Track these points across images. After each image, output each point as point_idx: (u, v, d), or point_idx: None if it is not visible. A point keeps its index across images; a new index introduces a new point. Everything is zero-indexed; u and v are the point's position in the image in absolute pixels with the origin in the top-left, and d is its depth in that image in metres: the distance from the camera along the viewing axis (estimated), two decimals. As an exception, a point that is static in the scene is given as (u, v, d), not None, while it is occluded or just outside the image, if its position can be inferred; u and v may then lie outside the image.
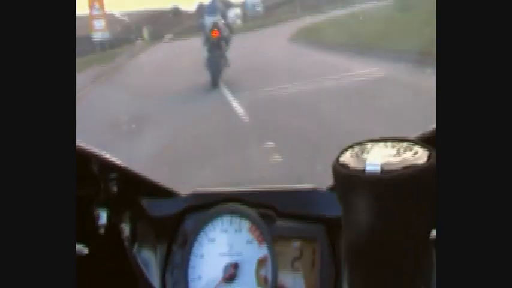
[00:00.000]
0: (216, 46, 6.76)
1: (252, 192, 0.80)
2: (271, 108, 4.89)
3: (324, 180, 0.77)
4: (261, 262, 0.73)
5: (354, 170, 0.50)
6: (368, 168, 0.49)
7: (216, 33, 6.78)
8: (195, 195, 0.83)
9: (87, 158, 0.71)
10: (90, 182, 0.76)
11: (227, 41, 7.09)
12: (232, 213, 0.76)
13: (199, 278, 0.75)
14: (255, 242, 0.74)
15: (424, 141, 0.55)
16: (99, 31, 13.53)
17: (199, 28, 7.47)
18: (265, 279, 0.72)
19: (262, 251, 0.73)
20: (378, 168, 0.48)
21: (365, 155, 0.52)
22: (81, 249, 0.70)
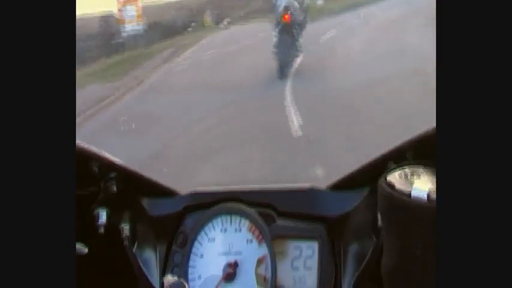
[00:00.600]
0: (287, 32, 5.93)
1: (251, 192, 0.80)
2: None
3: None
4: (261, 261, 0.73)
5: (400, 192, 0.49)
6: (414, 193, 0.48)
7: (287, 18, 5.91)
8: (195, 195, 0.83)
9: (87, 158, 0.71)
10: (90, 181, 0.76)
11: (301, 27, 6.25)
12: (232, 212, 0.77)
13: (199, 277, 0.76)
14: (255, 242, 0.74)
15: (423, 141, 0.55)
16: (131, 22, 10.02)
17: (271, 9, 6.61)
18: (265, 278, 0.72)
19: (262, 250, 0.73)
20: (425, 195, 0.47)
21: (414, 179, 0.51)
22: (81, 248, 0.71)
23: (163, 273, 0.79)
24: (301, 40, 6.24)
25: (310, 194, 0.78)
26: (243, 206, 0.76)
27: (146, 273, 0.79)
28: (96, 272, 0.76)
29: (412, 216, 0.48)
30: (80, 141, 0.67)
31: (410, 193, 0.48)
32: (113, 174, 0.76)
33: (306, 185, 0.80)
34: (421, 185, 0.49)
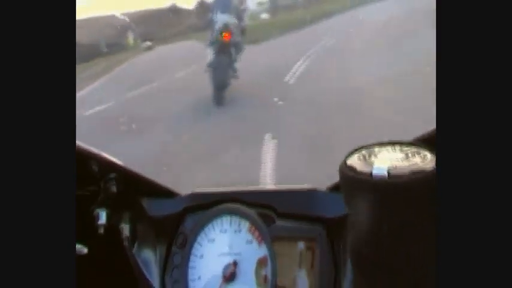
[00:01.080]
0: (224, 52, 5.42)
1: (251, 193, 0.80)
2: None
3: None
4: (261, 262, 0.73)
5: (361, 173, 0.50)
6: (375, 172, 0.49)
7: (227, 37, 5.38)
8: (195, 196, 0.83)
9: (87, 158, 0.72)
10: (90, 182, 0.76)
11: (238, 48, 5.70)
12: (232, 213, 0.77)
13: (199, 278, 0.76)
14: (255, 242, 0.74)
15: (423, 142, 0.55)
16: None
17: (206, 26, 5.97)
18: (265, 279, 0.72)
19: (262, 251, 0.73)
20: (385, 173, 0.48)
21: (373, 159, 0.52)
22: (81, 249, 0.71)
23: (163, 274, 0.79)
24: (238, 63, 5.61)
25: (309, 195, 0.78)
26: (242, 207, 0.76)
27: (146, 273, 0.79)
28: (96, 272, 0.76)
29: (375, 195, 0.49)
30: (80, 142, 0.67)
31: (371, 173, 0.49)
32: (112, 175, 0.76)
33: (305, 186, 0.80)
34: (381, 163, 0.50)
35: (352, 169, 0.51)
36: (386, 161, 0.50)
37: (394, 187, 0.47)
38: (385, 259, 0.50)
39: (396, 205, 0.48)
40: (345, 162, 0.53)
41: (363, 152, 0.54)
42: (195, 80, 6.09)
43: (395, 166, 0.49)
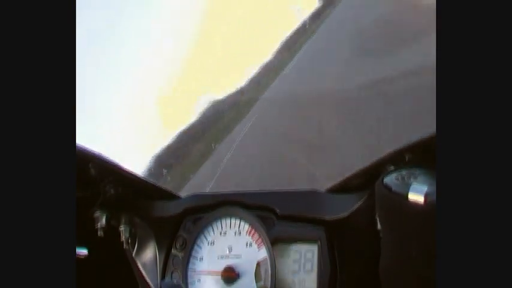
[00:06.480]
0: None
1: (251, 194, 0.80)
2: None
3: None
4: (260, 264, 0.73)
5: (396, 194, 0.49)
6: (411, 196, 0.48)
7: None
8: (195, 198, 0.83)
9: (87, 160, 0.72)
10: (90, 184, 0.76)
11: None
12: (232, 216, 0.77)
13: (199, 280, 0.76)
14: (254, 245, 0.74)
15: (422, 144, 0.55)
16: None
17: None
18: (264, 281, 0.72)
19: (262, 253, 0.73)
20: (422, 197, 0.47)
21: (411, 181, 0.51)
22: (81, 251, 0.71)
23: (162, 276, 0.79)
24: None
25: (310, 197, 0.78)
26: (242, 210, 0.76)
27: (145, 276, 0.79)
28: (96, 275, 0.76)
29: (408, 218, 0.49)
30: (80, 143, 0.67)
31: (407, 195, 0.48)
32: (112, 177, 0.76)
33: (305, 188, 0.80)
34: (418, 186, 0.49)
35: (388, 188, 0.51)
36: (424, 185, 0.49)
37: (428, 212, 0.46)
38: (412, 278, 0.49)
39: (427, 230, 0.47)
40: (382, 180, 0.53)
41: (403, 172, 0.54)
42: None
43: (434, 192, 0.48)
